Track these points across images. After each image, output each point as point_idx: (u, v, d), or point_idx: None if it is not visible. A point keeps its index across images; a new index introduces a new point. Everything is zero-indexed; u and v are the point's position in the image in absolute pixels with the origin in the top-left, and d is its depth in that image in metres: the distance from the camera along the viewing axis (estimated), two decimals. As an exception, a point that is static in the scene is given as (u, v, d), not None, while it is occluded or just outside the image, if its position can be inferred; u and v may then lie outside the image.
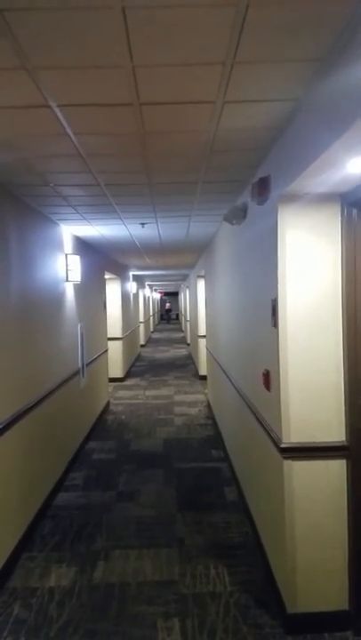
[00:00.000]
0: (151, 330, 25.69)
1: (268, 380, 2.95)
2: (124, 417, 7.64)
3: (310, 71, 1.85)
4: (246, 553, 3.46)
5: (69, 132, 2.43)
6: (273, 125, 2.41)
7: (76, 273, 5.38)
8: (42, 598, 3.01)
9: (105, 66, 1.78)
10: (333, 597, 2.67)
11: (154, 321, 30.24)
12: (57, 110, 2.16)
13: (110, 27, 1.53)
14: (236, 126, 2.43)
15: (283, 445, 2.66)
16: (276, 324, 2.73)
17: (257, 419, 3.33)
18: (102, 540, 3.71)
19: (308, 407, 2.66)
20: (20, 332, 3.72)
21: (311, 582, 2.67)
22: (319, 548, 2.66)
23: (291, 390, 2.66)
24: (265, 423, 3.08)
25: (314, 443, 2.65)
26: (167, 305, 40.20)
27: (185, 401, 8.66)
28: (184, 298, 22.64)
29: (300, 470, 2.66)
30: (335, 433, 2.66)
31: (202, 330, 10.04)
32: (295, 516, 2.65)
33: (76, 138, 2.53)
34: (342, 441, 2.65)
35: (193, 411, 7.90)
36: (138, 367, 13.06)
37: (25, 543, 3.59)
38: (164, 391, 9.65)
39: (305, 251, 2.64)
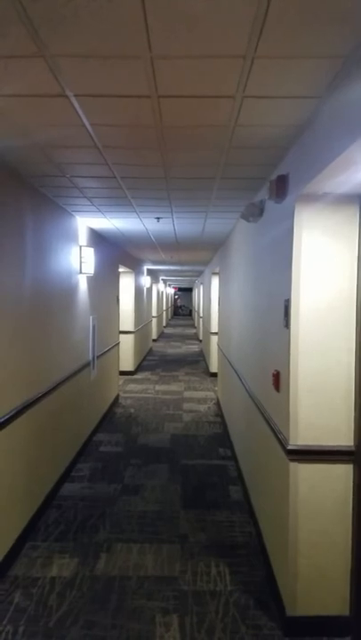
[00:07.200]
0: (164, 325, 25.70)
1: (278, 380, 2.92)
2: (132, 410, 7.66)
3: (333, 68, 1.81)
4: (248, 553, 3.45)
5: (86, 122, 2.41)
6: (293, 123, 2.36)
7: (89, 265, 5.38)
8: (43, 588, 3.03)
9: (123, 56, 1.76)
10: (334, 603, 2.65)
11: (167, 316, 30.24)
12: (74, 100, 2.14)
13: (129, 15, 1.50)
14: (256, 122, 2.39)
15: (290, 447, 2.63)
16: (287, 325, 2.69)
17: (265, 419, 3.30)
18: (105, 532, 3.72)
19: (317, 410, 2.62)
20: (32, 322, 3.72)
21: (312, 586, 2.64)
22: (322, 553, 2.63)
23: (300, 392, 2.62)
24: (273, 424, 3.05)
25: (321, 446, 2.62)
26: (178, 301, 41.23)
27: (194, 397, 8.64)
28: (198, 294, 22.59)
29: (306, 473, 2.62)
30: (343, 437, 2.62)
31: (214, 327, 10.01)
32: (299, 520, 2.63)
33: (92, 129, 2.51)
34: (350, 446, 2.61)
35: (202, 407, 7.88)
36: (149, 361, 13.08)
37: (29, 532, 3.62)
38: (173, 387, 9.65)
39: (321, 252, 2.60)
